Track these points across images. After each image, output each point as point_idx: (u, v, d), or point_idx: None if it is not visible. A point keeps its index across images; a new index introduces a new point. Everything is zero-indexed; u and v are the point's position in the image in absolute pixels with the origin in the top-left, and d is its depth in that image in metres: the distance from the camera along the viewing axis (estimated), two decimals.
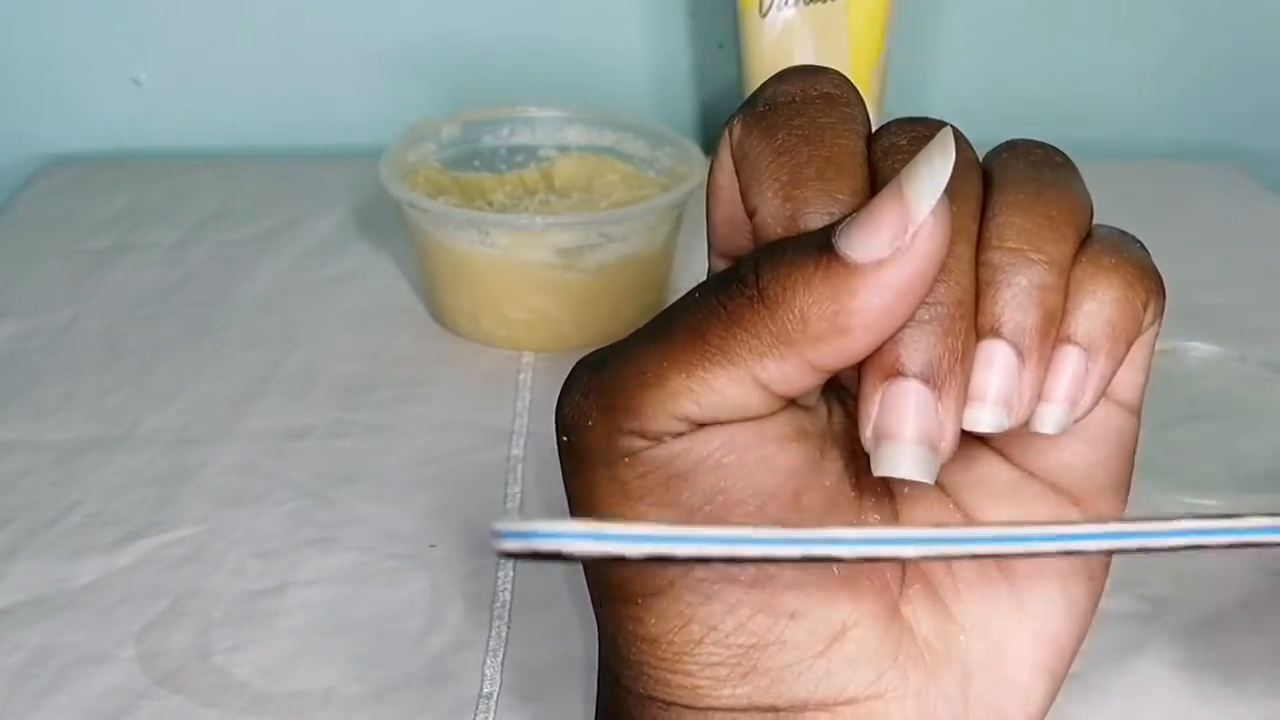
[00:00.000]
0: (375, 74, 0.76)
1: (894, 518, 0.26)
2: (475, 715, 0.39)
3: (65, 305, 0.60)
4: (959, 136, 0.25)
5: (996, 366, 0.23)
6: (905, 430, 0.22)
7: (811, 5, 0.60)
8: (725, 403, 0.23)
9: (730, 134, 0.26)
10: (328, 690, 0.39)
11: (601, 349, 0.25)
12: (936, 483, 0.26)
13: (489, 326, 0.57)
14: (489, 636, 0.42)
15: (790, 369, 0.22)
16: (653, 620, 0.24)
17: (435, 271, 0.58)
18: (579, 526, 0.20)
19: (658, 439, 0.23)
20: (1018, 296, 0.23)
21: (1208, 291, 0.60)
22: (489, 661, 0.41)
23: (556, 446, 0.25)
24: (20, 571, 0.44)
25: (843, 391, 0.26)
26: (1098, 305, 0.24)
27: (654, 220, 0.56)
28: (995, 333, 0.23)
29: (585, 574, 0.26)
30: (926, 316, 0.22)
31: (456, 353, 0.57)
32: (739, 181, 0.25)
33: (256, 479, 0.49)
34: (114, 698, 0.39)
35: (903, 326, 0.22)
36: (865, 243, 0.21)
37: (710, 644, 0.24)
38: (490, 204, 0.60)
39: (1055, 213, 0.24)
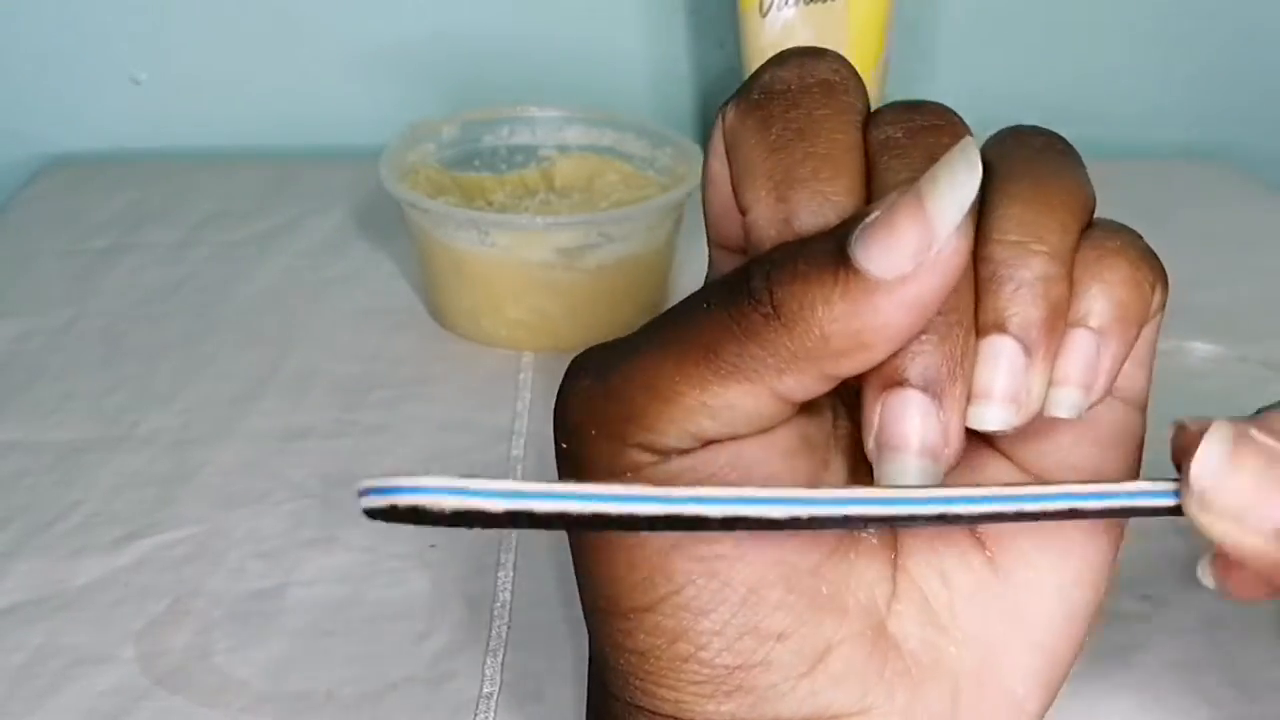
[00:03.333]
0: (375, 74, 0.76)
1: (889, 530, 0.26)
2: (475, 715, 0.39)
3: (65, 305, 0.60)
4: (945, 113, 0.25)
5: (1003, 363, 0.23)
6: (908, 441, 0.22)
7: (811, 5, 0.60)
8: (740, 417, 0.22)
9: (723, 119, 0.25)
10: (328, 690, 0.39)
11: (598, 349, 0.24)
12: None
13: (489, 326, 0.57)
14: (489, 636, 0.42)
15: (809, 381, 0.22)
16: (641, 635, 0.24)
17: (435, 271, 0.58)
18: (443, 482, 0.19)
19: (665, 454, 0.23)
20: (1021, 290, 0.23)
21: (1208, 291, 0.60)
22: (489, 661, 0.41)
23: (555, 450, 0.25)
24: (20, 571, 0.44)
25: (848, 394, 0.26)
26: (1105, 287, 0.23)
27: (654, 220, 0.56)
28: (1000, 328, 0.23)
29: (578, 581, 0.25)
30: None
31: (456, 353, 0.57)
32: (730, 171, 0.25)
33: (256, 479, 0.49)
34: (114, 698, 0.39)
35: None
36: (887, 258, 0.21)
37: (696, 662, 0.24)
38: (490, 204, 0.60)
39: (1057, 202, 0.23)
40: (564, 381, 0.24)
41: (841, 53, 0.26)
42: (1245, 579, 0.22)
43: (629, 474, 0.23)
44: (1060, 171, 0.24)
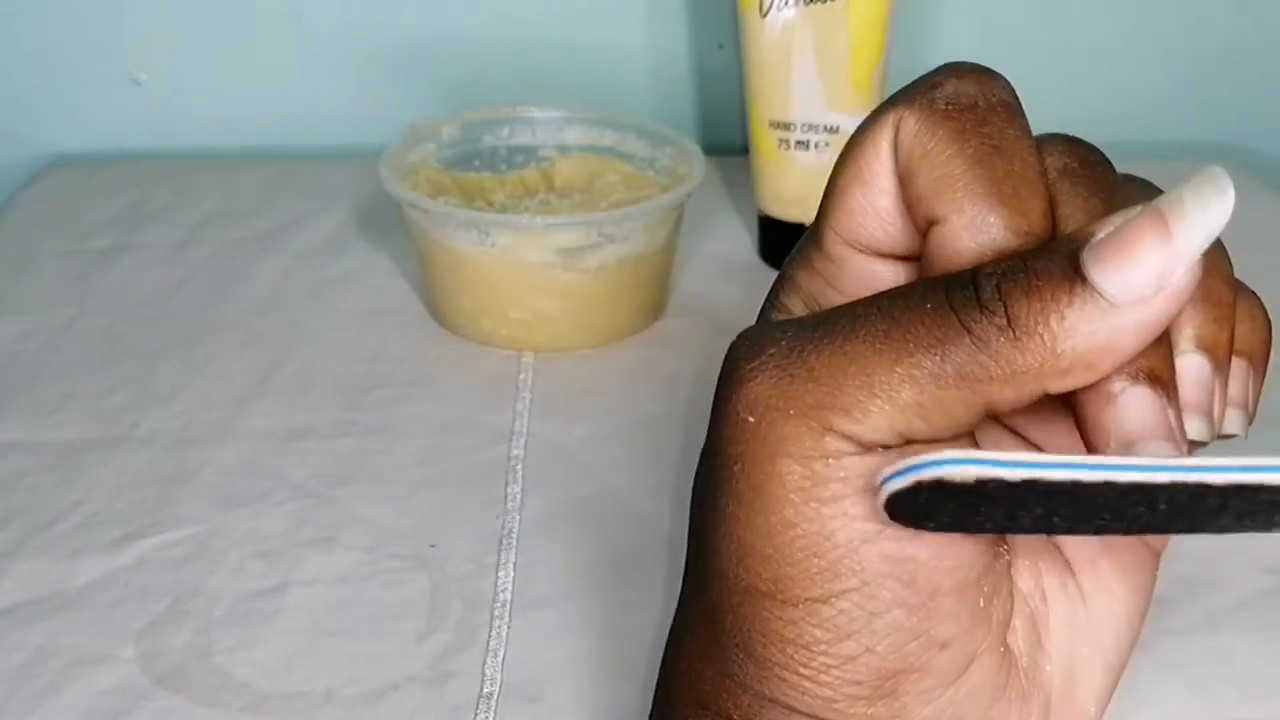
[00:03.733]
0: (375, 74, 0.76)
1: (1007, 545, 0.27)
2: (475, 715, 0.39)
3: (65, 305, 0.60)
4: (1099, 152, 0.26)
5: (1202, 380, 0.24)
6: (1153, 430, 0.22)
7: (811, 5, 0.60)
8: (949, 421, 0.22)
9: (898, 124, 0.25)
10: (328, 690, 0.39)
11: (779, 326, 0.24)
12: None
13: (489, 326, 0.57)
14: (489, 636, 0.42)
15: (1025, 394, 0.22)
16: (809, 626, 0.23)
17: (435, 271, 0.58)
18: (960, 454, 0.19)
19: (869, 448, 0.22)
20: (1213, 310, 0.24)
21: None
22: (489, 661, 0.41)
23: (714, 433, 0.24)
24: (20, 571, 0.44)
25: None
26: (1254, 326, 0.26)
27: (654, 220, 0.56)
28: (1198, 347, 0.24)
29: (714, 554, 0.24)
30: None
31: (456, 353, 0.57)
32: (916, 183, 0.24)
33: (256, 479, 0.49)
34: (114, 698, 0.39)
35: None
36: (1127, 280, 0.21)
37: (862, 664, 0.23)
38: (490, 204, 0.60)
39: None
40: (746, 351, 0.23)
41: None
42: None
43: (828, 460, 0.22)
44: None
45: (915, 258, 0.25)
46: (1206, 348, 0.24)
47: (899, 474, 0.20)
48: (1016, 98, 0.25)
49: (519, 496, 0.48)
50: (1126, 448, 0.22)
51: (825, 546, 0.23)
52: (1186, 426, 0.23)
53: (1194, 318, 0.24)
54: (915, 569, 0.23)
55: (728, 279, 0.62)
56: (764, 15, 0.61)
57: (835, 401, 0.22)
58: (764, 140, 0.63)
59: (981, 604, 0.24)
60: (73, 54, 0.75)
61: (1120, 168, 0.27)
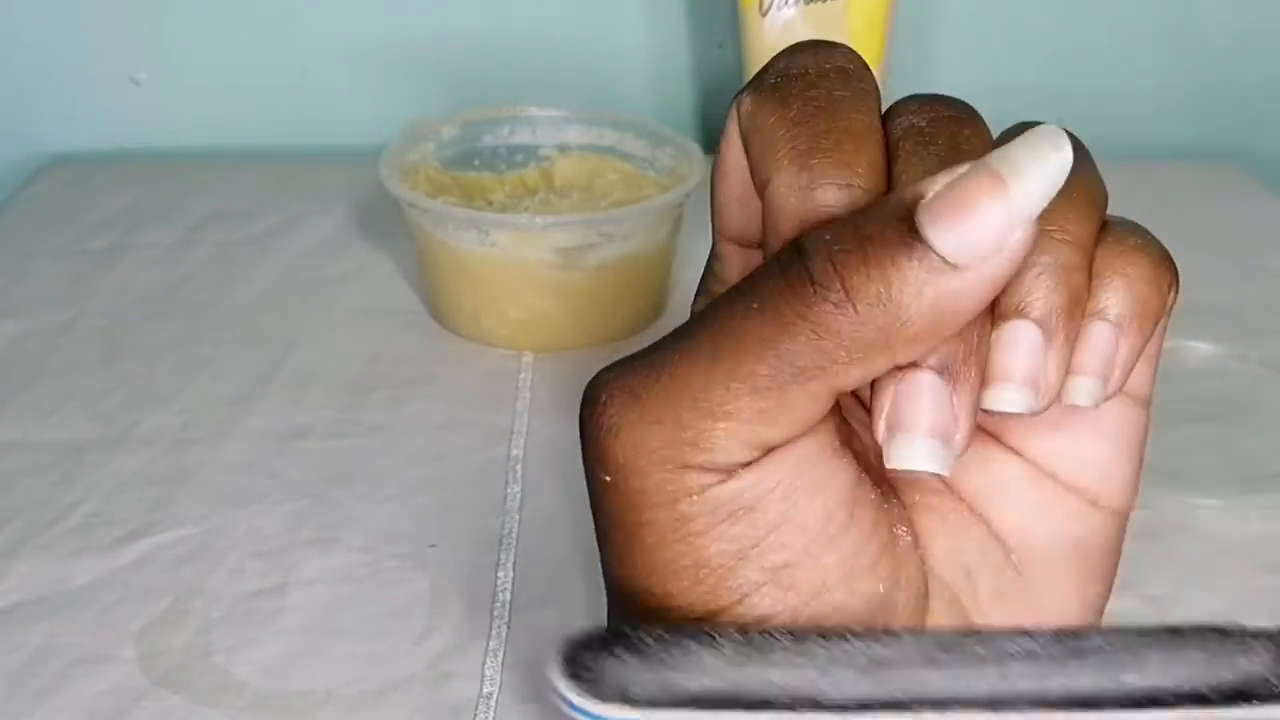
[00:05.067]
0: (375, 74, 0.76)
1: (914, 531, 0.26)
2: (475, 715, 0.39)
3: (65, 305, 0.60)
4: (967, 109, 0.24)
5: (1023, 347, 0.22)
6: (919, 422, 0.21)
7: (811, 5, 0.60)
8: (799, 419, 0.22)
9: (739, 109, 0.25)
10: (328, 690, 0.39)
11: (617, 370, 0.23)
12: (950, 487, 0.26)
13: (489, 326, 0.57)
14: (489, 636, 0.42)
15: (873, 371, 0.21)
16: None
17: (435, 271, 0.58)
18: (616, 712, 0.19)
19: (728, 471, 0.22)
20: (1043, 276, 0.22)
21: (1208, 291, 0.60)
22: (489, 661, 0.41)
23: (589, 485, 0.24)
24: (20, 571, 0.44)
25: None
26: (1126, 281, 0.23)
27: (654, 220, 0.56)
28: (1020, 313, 0.22)
29: (625, 588, 0.24)
30: None
31: (456, 352, 0.57)
32: (749, 157, 0.24)
33: (256, 479, 0.49)
34: (114, 698, 0.39)
35: None
36: (966, 243, 0.20)
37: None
38: (490, 203, 0.60)
39: (1077, 193, 0.23)
40: (590, 412, 0.23)
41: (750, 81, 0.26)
42: None
43: (691, 497, 0.22)
44: (1077, 166, 0.24)
45: None
46: (1035, 314, 0.22)
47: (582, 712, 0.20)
48: (858, 64, 0.24)
49: (519, 496, 0.48)
50: (891, 431, 0.22)
51: (704, 573, 0.23)
52: (993, 397, 0.22)
53: (1021, 281, 0.22)
54: (794, 573, 0.23)
55: None
56: (764, 15, 0.61)
57: (681, 437, 0.22)
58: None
59: (882, 590, 0.24)
60: (73, 54, 0.75)
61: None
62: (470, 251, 0.55)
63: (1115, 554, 0.27)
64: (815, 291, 0.20)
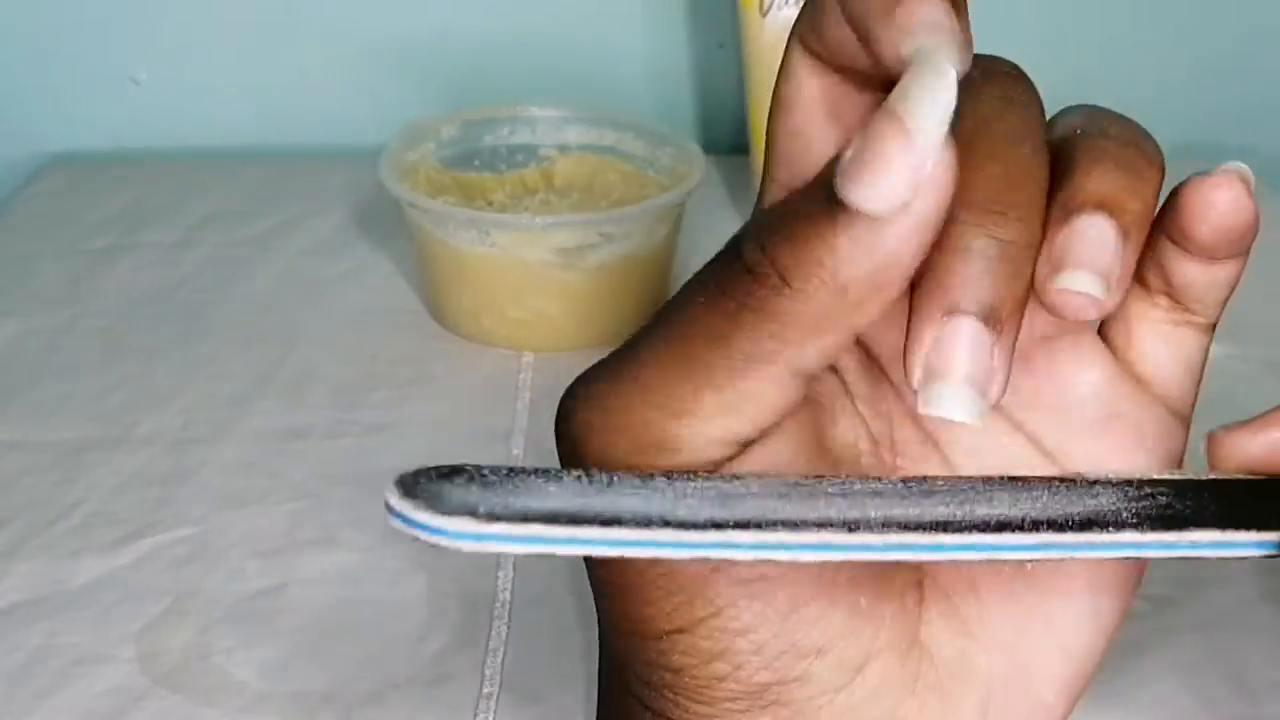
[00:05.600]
0: (375, 73, 0.76)
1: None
2: (475, 715, 0.39)
3: (65, 305, 0.60)
4: (1021, 70, 0.24)
5: (1106, 244, 0.22)
6: (957, 369, 0.21)
7: None
8: (766, 408, 0.21)
9: (800, 37, 0.24)
10: (328, 690, 0.39)
11: (587, 376, 0.23)
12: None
13: (489, 326, 0.57)
14: (489, 636, 0.42)
15: (831, 344, 0.21)
16: (676, 655, 0.23)
17: (435, 271, 0.58)
18: (462, 525, 0.18)
19: (712, 469, 0.22)
20: (1116, 170, 0.23)
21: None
22: (489, 661, 0.41)
23: None
24: (20, 571, 0.44)
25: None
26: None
27: (654, 220, 0.56)
28: (1103, 208, 0.22)
29: (596, 605, 0.25)
30: (993, 252, 0.21)
31: (456, 353, 0.57)
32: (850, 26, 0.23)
33: (256, 479, 0.49)
34: (114, 698, 0.39)
35: (964, 260, 0.21)
36: (881, 191, 0.19)
37: (733, 680, 0.23)
38: (490, 203, 0.60)
39: (1148, 136, 0.25)
40: (561, 419, 0.23)
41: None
42: None
43: None
44: (1138, 136, 0.25)
45: None
46: (1106, 208, 0.22)
47: (402, 518, 0.18)
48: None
49: None
50: (927, 376, 0.21)
51: (677, 583, 0.23)
52: (1068, 279, 0.22)
53: (1088, 174, 0.22)
54: (768, 586, 0.23)
55: None
56: (764, 15, 0.61)
57: (648, 439, 0.21)
58: (764, 140, 0.63)
59: (864, 604, 0.24)
60: (73, 54, 0.75)
61: None
62: (470, 251, 0.55)
63: (1135, 564, 0.26)
64: (752, 277, 0.20)
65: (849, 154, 0.20)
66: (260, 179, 0.73)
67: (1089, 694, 0.39)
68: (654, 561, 0.22)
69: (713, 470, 0.21)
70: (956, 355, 0.21)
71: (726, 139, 0.76)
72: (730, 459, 0.21)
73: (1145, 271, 0.24)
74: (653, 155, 0.62)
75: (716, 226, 0.67)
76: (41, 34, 0.75)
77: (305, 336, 0.58)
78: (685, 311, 0.21)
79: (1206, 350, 0.26)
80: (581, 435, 0.22)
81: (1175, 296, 0.25)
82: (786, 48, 0.25)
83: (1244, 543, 0.21)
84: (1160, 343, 0.25)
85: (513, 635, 0.42)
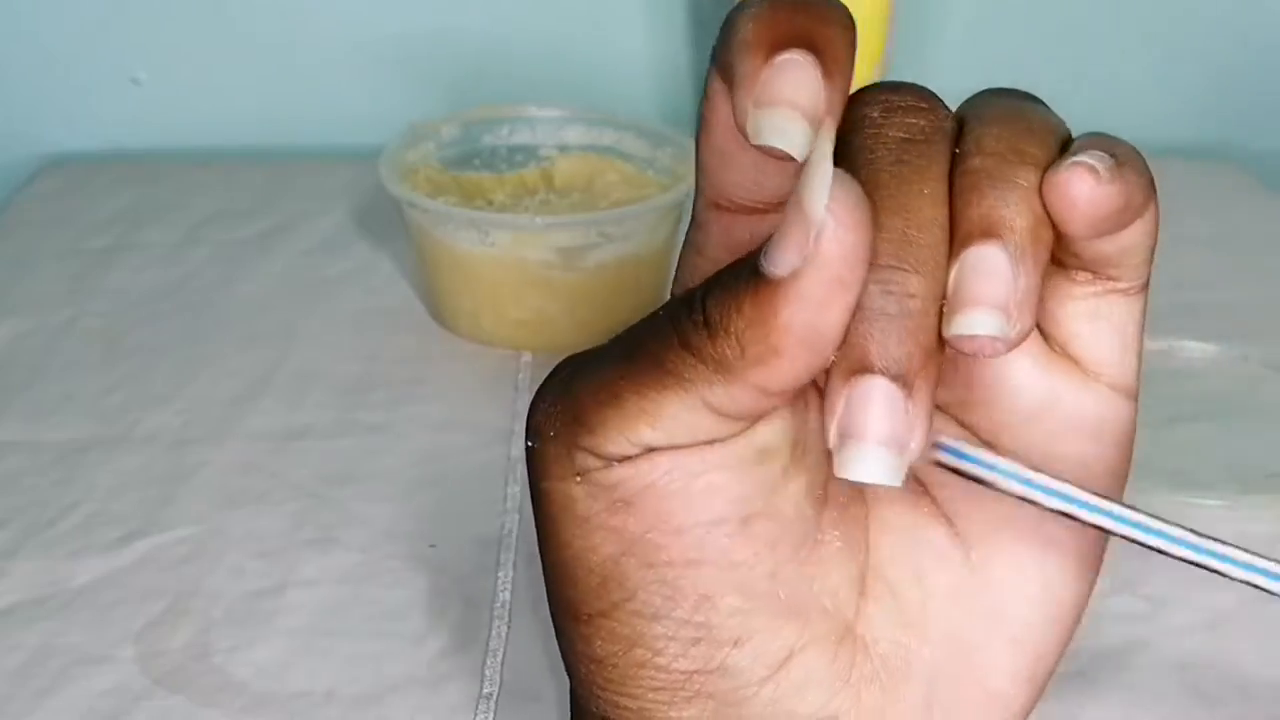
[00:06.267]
0: (375, 73, 0.76)
1: (859, 531, 0.25)
2: (475, 715, 0.39)
3: (65, 305, 0.60)
4: (925, 96, 0.24)
5: (998, 272, 0.22)
6: (870, 430, 0.21)
7: None
8: (680, 428, 0.22)
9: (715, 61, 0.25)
10: (328, 690, 0.39)
11: (577, 355, 0.24)
12: (916, 482, 0.26)
13: (489, 326, 0.57)
14: (489, 636, 0.42)
15: (739, 394, 0.22)
16: (598, 641, 0.24)
17: (435, 271, 0.58)
18: (1009, 466, 0.22)
19: (608, 461, 0.23)
20: (1010, 196, 0.22)
21: (1208, 291, 0.60)
22: (489, 661, 0.41)
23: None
24: (20, 571, 0.44)
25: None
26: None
27: (654, 220, 0.56)
28: (990, 235, 0.22)
29: (546, 587, 0.25)
30: (895, 309, 0.22)
31: (456, 353, 0.57)
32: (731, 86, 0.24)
33: (256, 479, 0.49)
34: (113, 698, 0.39)
35: (870, 320, 0.21)
36: (779, 256, 0.21)
37: (653, 668, 0.23)
38: (490, 203, 0.60)
39: (1038, 124, 0.24)
40: (543, 383, 0.24)
41: None
42: None
43: (576, 477, 0.23)
44: (1036, 106, 0.24)
45: (770, 208, 0.25)
46: (1000, 235, 0.22)
47: (952, 451, 0.23)
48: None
49: (519, 496, 0.48)
50: (841, 438, 0.22)
51: (593, 561, 0.23)
52: (970, 319, 0.22)
53: (981, 203, 0.22)
54: (676, 574, 0.23)
55: None
56: None
57: (581, 418, 0.23)
58: None
59: (784, 596, 0.24)
60: (73, 54, 0.75)
61: None
62: (470, 251, 0.55)
63: (1091, 551, 0.26)
64: (687, 313, 0.22)
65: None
66: (260, 179, 0.73)
67: (1089, 693, 0.39)
68: (574, 540, 0.23)
69: (615, 460, 0.23)
70: (868, 417, 0.21)
71: None
72: (630, 458, 0.23)
73: (1055, 251, 0.23)
74: (653, 155, 0.62)
75: None
76: (41, 34, 0.75)
77: (305, 336, 0.58)
78: (649, 322, 0.23)
79: (1141, 315, 0.25)
80: (540, 396, 0.24)
81: (1092, 269, 0.24)
82: (708, 70, 0.26)
83: None
84: (1087, 320, 0.25)
85: (513, 635, 0.42)
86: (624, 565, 0.23)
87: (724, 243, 0.26)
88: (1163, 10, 0.79)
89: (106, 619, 0.42)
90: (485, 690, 0.40)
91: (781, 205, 0.25)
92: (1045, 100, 0.26)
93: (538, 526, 0.24)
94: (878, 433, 0.21)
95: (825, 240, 0.20)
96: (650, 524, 0.23)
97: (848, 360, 0.22)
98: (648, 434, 0.22)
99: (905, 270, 0.22)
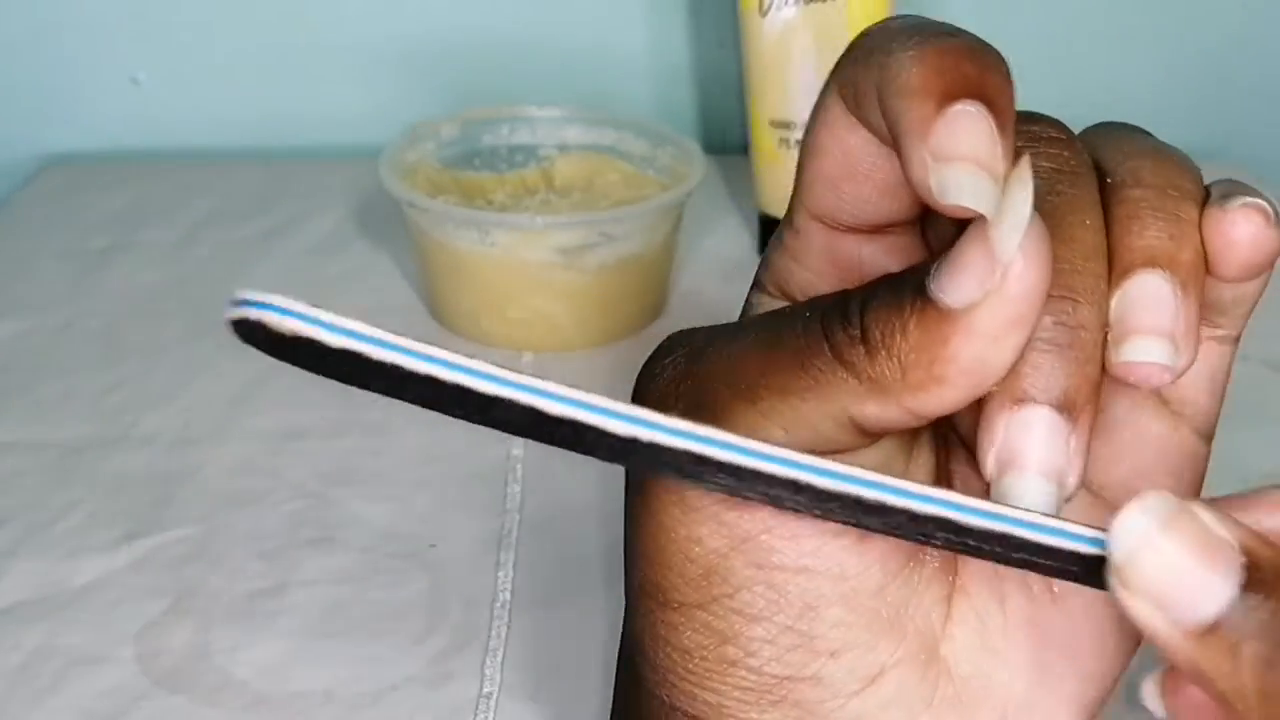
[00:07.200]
0: (375, 73, 0.76)
1: (953, 554, 0.25)
2: (475, 715, 0.39)
3: (65, 305, 0.60)
4: (1062, 127, 0.24)
5: (1164, 303, 0.22)
6: (1031, 460, 0.21)
7: (811, 5, 0.60)
8: (814, 435, 0.22)
9: (839, 81, 0.24)
10: (328, 690, 0.39)
11: (699, 331, 0.24)
12: None
13: (489, 326, 0.57)
14: (489, 636, 0.42)
15: (889, 413, 0.22)
16: (689, 632, 0.23)
17: (435, 271, 0.58)
18: (297, 306, 0.19)
19: None
20: (1170, 227, 0.23)
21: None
22: (489, 661, 0.41)
23: None
24: (20, 571, 0.44)
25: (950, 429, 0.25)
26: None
27: (654, 220, 0.56)
28: (1153, 265, 0.22)
29: (625, 563, 0.25)
30: (1064, 340, 0.21)
31: (457, 353, 0.57)
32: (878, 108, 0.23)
33: (256, 479, 0.49)
34: (113, 698, 0.39)
35: (1039, 350, 0.21)
36: (955, 286, 0.20)
37: (744, 668, 0.23)
38: (490, 203, 0.60)
39: (1185, 162, 0.25)
40: (657, 353, 0.24)
41: (842, 53, 0.25)
42: (1194, 702, 0.21)
43: None
44: (1162, 140, 0.25)
45: (878, 230, 0.25)
46: (1161, 265, 0.22)
47: (253, 304, 0.19)
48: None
49: (519, 496, 0.48)
50: (1000, 467, 0.21)
51: (697, 552, 0.23)
52: (1140, 347, 0.22)
53: (1142, 234, 0.23)
54: (786, 579, 0.23)
55: (727, 279, 0.62)
56: (764, 15, 0.61)
57: (709, 405, 0.22)
58: (764, 139, 0.63)
59: (885, 614, 0.24)
60: (73, 54, 0.75)
61: None
62: (470, 251, 0.55)
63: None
64: (840, 323, 0.22)
65: (945, 259, 0.21)
66: (260, 179, 0.73)
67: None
68: (678, 527, 0.23)
69: None
70: (1029, 446, 0.21)
71: (726, 139, 0.76)
72: None
73: None
74: (653, 155, 0.62)
75: (716, 226, 0.67)
76: (41, 34, 0.75)
77: None
78: (794, 321, 0.22)
79: (1230, 364, 0.26)
80: (654, 375, 0.23)
81: (1202, 313, 0.24)
82: (823, 93, 0.25)
83: (1078, 535, 0.20)
84: None
85: (513, 635, 0.42)
86: (731, 561, 0.23)
87: (829, 258, 0.25)
88: (1163, 10, 0.79)
89: (106, 619, 0.42)
90: (485, 690, 0.40)
91: (891, 228, 0.25)
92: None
93: (630, 503, 0.24)
94: (1040, 463, 0.21)
95: (1012, 278, 0.20)
96: (766, 525, 0.23)
97: (1010, 389, 0.22)
98: (778, 435, 0.22)
99: (1077, 300, 0.22)
